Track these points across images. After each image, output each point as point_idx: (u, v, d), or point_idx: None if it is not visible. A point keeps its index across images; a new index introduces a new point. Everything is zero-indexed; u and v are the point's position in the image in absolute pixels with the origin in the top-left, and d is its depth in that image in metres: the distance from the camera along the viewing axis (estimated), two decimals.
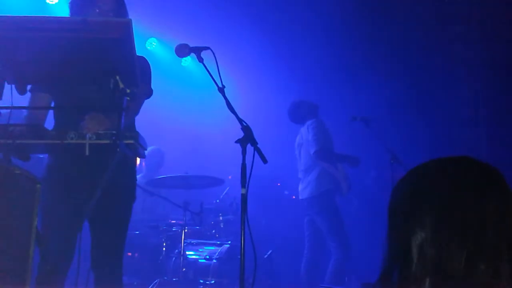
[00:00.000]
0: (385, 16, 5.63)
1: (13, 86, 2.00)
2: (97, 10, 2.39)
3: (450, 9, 5.60)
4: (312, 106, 4.84)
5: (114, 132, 1.85)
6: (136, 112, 2.56)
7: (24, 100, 2.26)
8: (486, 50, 5.73)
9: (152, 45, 6.08)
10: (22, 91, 2.18)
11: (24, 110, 2.45)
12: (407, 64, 5.98)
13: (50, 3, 5.07)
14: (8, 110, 1.93)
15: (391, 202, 0.98)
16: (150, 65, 2.67)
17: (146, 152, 2.23)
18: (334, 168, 4.71)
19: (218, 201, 5.18)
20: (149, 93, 2.66)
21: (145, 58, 2.68)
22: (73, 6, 2.50)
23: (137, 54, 2.61)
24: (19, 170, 1.55)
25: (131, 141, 1.90)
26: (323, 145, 4.58)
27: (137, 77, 1.97)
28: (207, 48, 2.52)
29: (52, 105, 2.52)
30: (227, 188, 5.23)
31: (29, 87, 2.13)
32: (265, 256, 4.77)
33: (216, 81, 2.48)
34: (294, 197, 5.17)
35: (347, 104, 5.44)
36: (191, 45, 2.53)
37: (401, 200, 0.96)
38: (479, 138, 5.82)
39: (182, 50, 2.52)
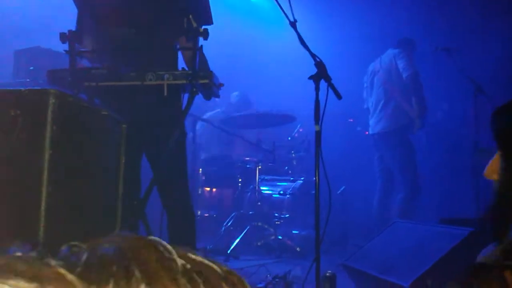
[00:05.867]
0: None
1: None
2: None
3: None
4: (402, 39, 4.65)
5: (190, 72, 1.88)
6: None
7: None
8: None
9: None
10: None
11: None
12: None
13: None
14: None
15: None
16: None
17: (235, 96, 2.22)
18: (409, 104, 4.52)
19: (290, 138, 5.21)
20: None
21: None
22: None
23: None
24: (106, 111, 1.62)
25: (206, 81, 1.93)
26: (416, 70, 4.43)
27: (210, 15, 1.96)
28: None
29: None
30: (299, 126, 5.23)
31: None
32: (338, 192, 4.80)
33: (288, 15, 2.40)
34: (367, 132, 5.07)
35: (428, 34, 5.11)
36: None
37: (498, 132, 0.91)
38: None
39: None
